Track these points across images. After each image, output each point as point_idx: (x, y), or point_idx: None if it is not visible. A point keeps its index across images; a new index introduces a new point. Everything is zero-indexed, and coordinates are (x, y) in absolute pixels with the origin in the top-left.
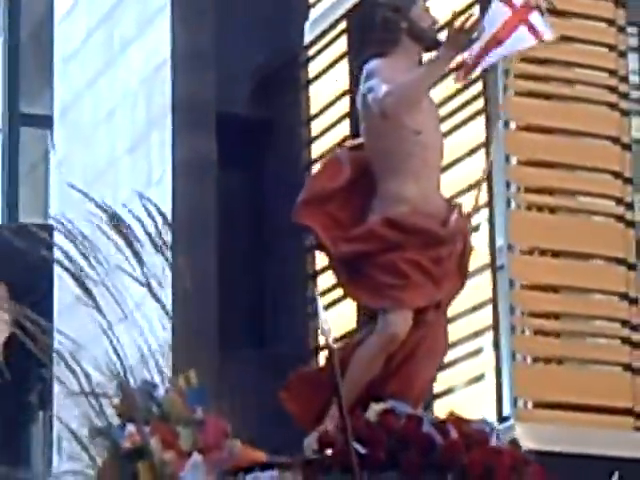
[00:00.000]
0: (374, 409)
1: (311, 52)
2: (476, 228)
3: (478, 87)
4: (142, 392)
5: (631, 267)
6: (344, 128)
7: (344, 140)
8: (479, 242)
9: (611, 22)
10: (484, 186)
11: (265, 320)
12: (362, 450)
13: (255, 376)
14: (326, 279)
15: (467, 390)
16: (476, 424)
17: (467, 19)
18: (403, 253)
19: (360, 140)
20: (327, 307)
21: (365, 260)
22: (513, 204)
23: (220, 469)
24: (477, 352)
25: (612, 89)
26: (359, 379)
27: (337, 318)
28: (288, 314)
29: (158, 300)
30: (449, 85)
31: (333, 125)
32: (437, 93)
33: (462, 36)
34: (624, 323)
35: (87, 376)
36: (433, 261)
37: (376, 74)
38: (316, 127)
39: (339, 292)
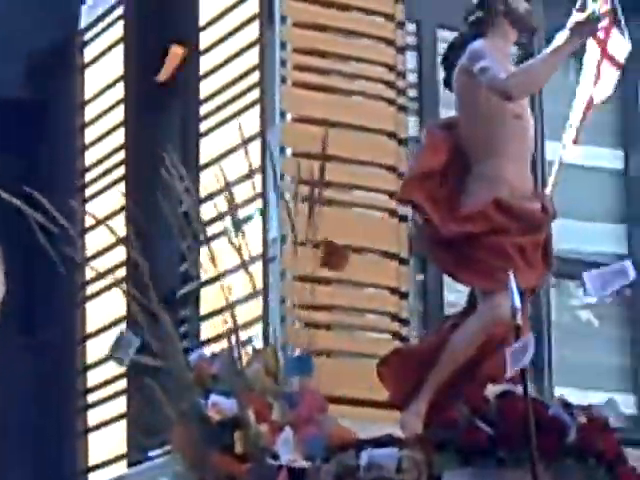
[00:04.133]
0: (492, 390)
1: (87, 36)
2: (248, 218)
3: (255, 77)
4: (222, 362)
5: (402, 262)
6: (118, 114)
7: (119, 126)
8: (251, 233)
9: (390, 17)
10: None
11: (36, 307)
12: (490, 431)
13: (28, 363)
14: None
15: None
16: (595, 409)
17: (595, 8)
18: (509, 236)
19: (450, 118)
20: (92, 297)
21: (472, 241)
22: (287, 196)
23: (313, 444)
24: (247, 342)
25: (390, 84)
26: (457, 359)
27: (105, 308)
28: (59, 301)
29: None
30: (225, 74)
31: (107, 111)
32: (214, 82)
33: (589, 24)
34: (394, 317)
35: None
36: (533, 246)
37: (486, 54)
38: (90, 112)
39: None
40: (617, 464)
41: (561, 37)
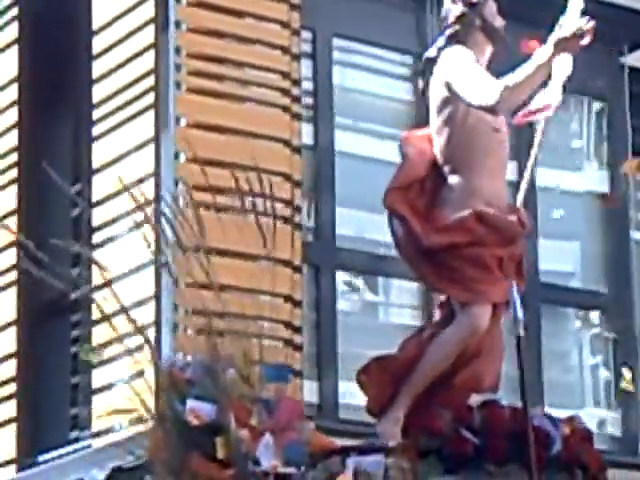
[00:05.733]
0: (475, 400)
1: None
2: (140, 225)
3: (149, 82)
4: (197, 368)
5: (296, 270)
6: (12, 116)
7: (11, 128)
8: (142, 238)
9: (286, 25)
10: None
11: None
12: (475, 440)
13: None
14: None
15: (128, 387)
16: (578, 420)
17: (583, 24)
18: (489, 248)
19: (426, 129)
20: None
21: (452, 252)
22: (181, 201)
23: (292, 450)
24: (138, 349)
25: (284, 92)
26: (434, 369)
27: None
28: None
29: None
30: (120, 77)
31: (0, 113)
32: (107, 86)
33: (573, 40)
34: (287, 325)
35: None
36: (509, 258)
37: (468, 65)
38: None
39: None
40: (601, 475)
41: (542, 52)
